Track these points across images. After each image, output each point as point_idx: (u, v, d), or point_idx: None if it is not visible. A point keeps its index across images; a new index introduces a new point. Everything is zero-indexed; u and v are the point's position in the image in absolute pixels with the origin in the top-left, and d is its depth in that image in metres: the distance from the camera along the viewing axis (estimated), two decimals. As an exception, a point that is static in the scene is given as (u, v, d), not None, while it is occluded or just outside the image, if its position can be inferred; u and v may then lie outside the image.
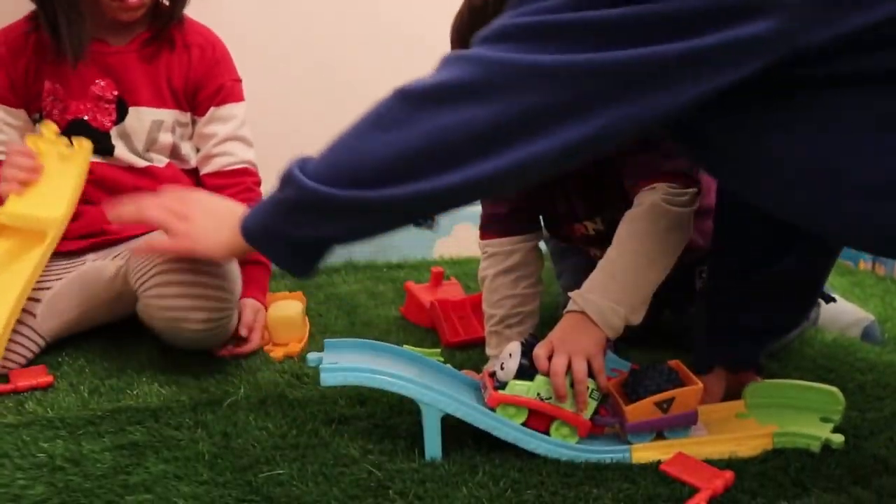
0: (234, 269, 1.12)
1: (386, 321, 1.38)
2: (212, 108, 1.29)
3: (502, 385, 0.89)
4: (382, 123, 0.74)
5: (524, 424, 0.88)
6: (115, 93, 1.24)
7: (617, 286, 0.93)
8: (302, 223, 0.80)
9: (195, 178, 1.32)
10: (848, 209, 0.69)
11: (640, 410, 0.89)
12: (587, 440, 0.90)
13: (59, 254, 1.21)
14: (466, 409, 0.87)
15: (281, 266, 0.86)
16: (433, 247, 1.85)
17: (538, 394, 0.88)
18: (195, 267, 1.06)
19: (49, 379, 1.05)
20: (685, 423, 0.90)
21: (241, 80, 1.34)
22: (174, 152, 1.30)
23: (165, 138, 1.28)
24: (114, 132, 1.25)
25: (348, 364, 0.89)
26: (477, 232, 1.18)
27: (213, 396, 1.02)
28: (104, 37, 1.23)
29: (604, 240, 1.04)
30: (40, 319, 1.16)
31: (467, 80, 0.69)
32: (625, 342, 0.99)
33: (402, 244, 1.80)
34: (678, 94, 0.66)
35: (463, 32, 0.97)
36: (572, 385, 0.88)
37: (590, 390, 0.89)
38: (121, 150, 1.25)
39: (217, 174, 1.30)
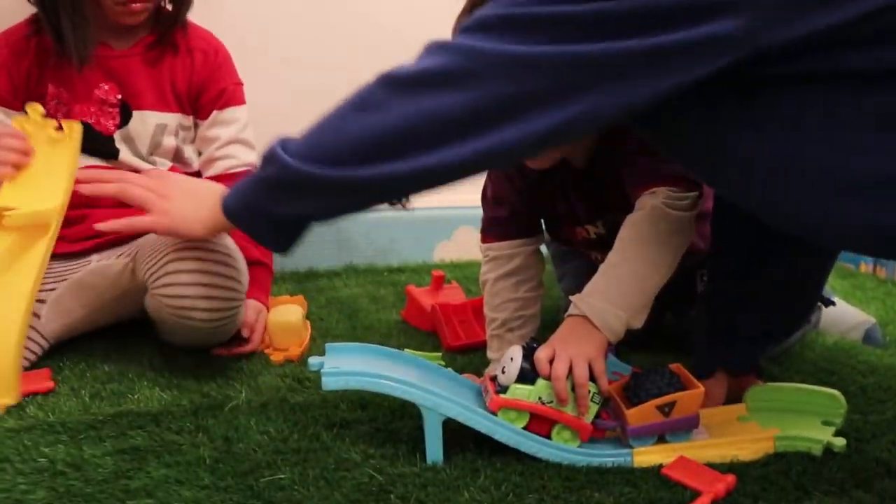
0: (244, 266, 1.13)
1: (387, 325, 1.38)
2: (214, 112, 1.30)
3: (503, 389, 0.89)
4: (364, 106, 0.77)
5: (525, 428, 0.88)
6: (119, 96, 1.25)
7: (618, 290, 0.93)
8: (282, 201, 0.83)
9: (198, 181, 1.32)
10: (823, 206, 0.71)
11: (642, 414, 0.88)
12: (589, 444, 0.90)
13: (63, 255, 1.22)
14: (468, 413, 0.87)
15: (261, 243, 0.89)
16: (434, 250, 1.85)
17: (539, 398, 0.88)
18: (206, 256, 1.07)
19: (50, 385, 1.05)
20: (687, 427, 0.90)
21: (242, 84, 1.35)
22: (177, 156, 1.30)
23: (169, 142, 1.28)
24: (117, 136, 1.25)
25: (349, 368, 0.89)
26: (478, 235, 1.19)
27: (214, 401, 1.02)
28: (107, 40, 1.24)
29: (605, 243, 1.04)
30: (44, 321, 1.16)
31: (448, 67, 0.72)
32: (626, 346, 0.99)
33: (403, 248, 1.81)
34: (647, 88, 0.69)
35: None
36: (574, 389, 0.88)
37: (591, 394, 0.89)
38: (125, 154, 1.26)
39: (220, 177, 1.30)
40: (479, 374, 1.06)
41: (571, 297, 0.95)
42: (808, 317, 1.24)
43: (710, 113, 0.74)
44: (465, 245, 1.83)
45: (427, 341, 1.30)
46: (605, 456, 0.88)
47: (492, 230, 1.16)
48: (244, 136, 1.32)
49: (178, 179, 1.03)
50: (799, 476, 0.85)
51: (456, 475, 0.84)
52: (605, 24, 0.68)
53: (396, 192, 0.82)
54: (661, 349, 1.21)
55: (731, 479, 0.83)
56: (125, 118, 1.25)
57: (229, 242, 1.12)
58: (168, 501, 0.79)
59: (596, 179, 1.09)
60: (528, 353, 0.90)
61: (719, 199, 1.00)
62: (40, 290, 1.11)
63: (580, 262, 1.28)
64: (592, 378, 0.89)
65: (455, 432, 0.88)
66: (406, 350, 1.00)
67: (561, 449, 0.88)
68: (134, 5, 1.19)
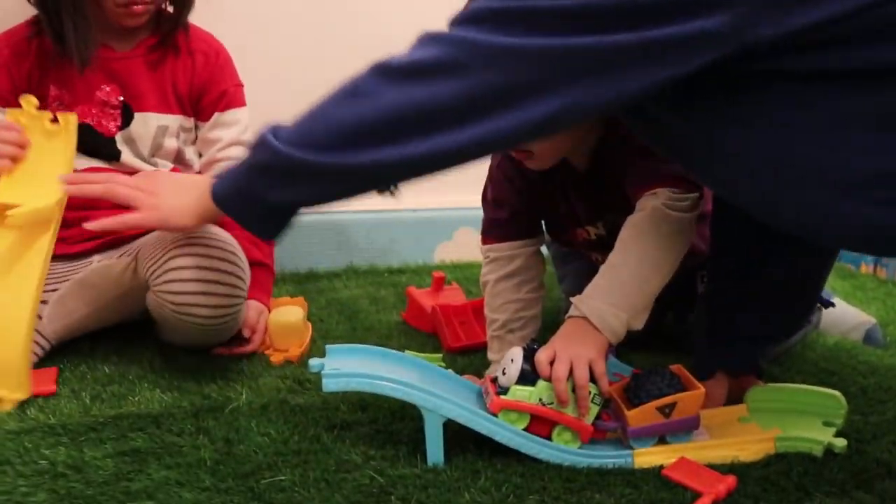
0: (246, 263, 1.13)
1: (387, 326, 1.38)
2: (216, 114, 1.30)
3: (504, 390, 0.89)
4: (355, 94, 0.77)
5: (526, 430, 0.88)
6: (121, 98, 1.25)
7: (619, 291, 0.93)
8: (272, 187, 0.84)
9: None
10: (815, 203, 0.73)
11: (643, 415, 0.88)
12: (589, 445, 0.90)
13: (65, 256, 1.22)
14: (468, 414, 0.87)
15: (249, 230, 0.89)
16: (434, 251, 1.85)
17: (540, 399, 0.88)
18: (207, 253, 1.07)
19: (52, 388, 1.05)
20: (687, 428, 0.90)
21: (243, 86, 1.35)
22: (178, 157, 1.31)
23: (170, 143, 1.28)
24: (119, 137, 1.26)
25: (350, 370, 0.89)
26: (478, 236, 1.18)
27: (214, 402, 1.02)
28: (109, 42, 1.24)
29: (605, 245, 1.04)
30: (46, 322, 1.17)
31: (440, 58, 0.73)
32: (626, 346, 0.99)
33: (403, 249, 1.81)
34: (635, 81, 0.71)
35: None
36: (574, 390, 0.88)
37: (592, 395, 0.89)
38: (126, 156, 1.26)
39: None
40: (479, 375, 1.06)
41: (572, 299, 0.95)
42: (808, 317, 1.24)
43: (698, 108, 0.75)
44: (466, 246, 1.83)
45: (427, 342, 1.30)
46: (606, 457, 0.88)
47: (492, 231, 1.16)
48: (245, 138, 1.32)
49: (164, 175, 1.06)
50: (800, 477, 0.85)
51: (457, 476, 0.84)
52: (596, 18, 0.69)
53: (386, 179, 0.83)
54: (662, 350, 1.21)
55: (731, 480, 0.83)
56: (127, 120, 1.26)
57: (231, 239, 1.12)
58: (169, 503, 0.79)
59: (596, 180, 1.09)
60: (529, 355, 0.90)
61: (718, 199, 1.00)
62: (42, 291, 1.11)
63: (581, 264, 1.28)
64: (593, 379, 0.89)
65: (456, 434, 0.89)
66: (406, 351, 1.00)
67: (561, 450, 0.88)
68: (135, 7, 1.19)
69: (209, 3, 1.32)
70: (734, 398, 1.00)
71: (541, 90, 0.71)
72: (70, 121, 1.08)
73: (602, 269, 0.97)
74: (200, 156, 1.34)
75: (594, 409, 0.90)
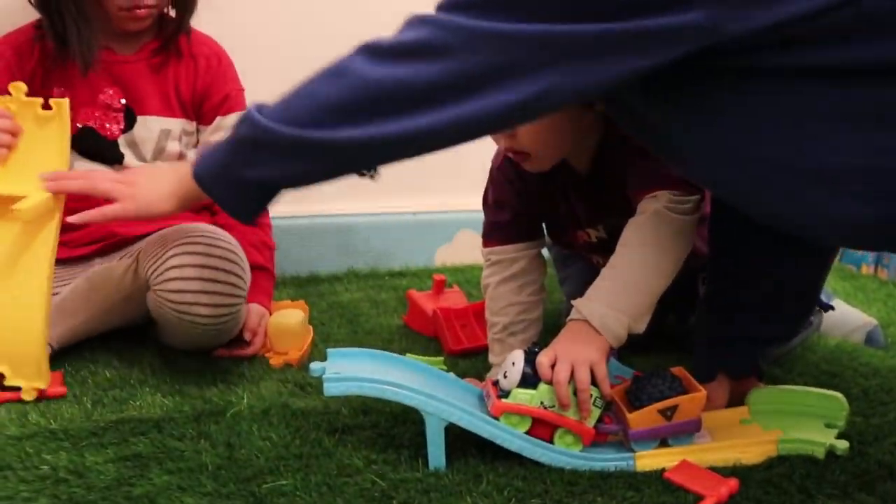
0: (246, 263, 1.13)
1: (388, 330, 1.38)
2: (218, 118, 1.31)
3: (505, 393, 0.89)
4: (341, 72, 0.79)
5: (528, 433, 0.88)
6: (123, 101, 1.25)
7: (620, 294, 0.93)
8: (253, 163, 0.84)
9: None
10: (793, 197, 0.75)
11: (644, 418, 0.88)
12: (591, 448, 0.90)
13: (67, 260, 1.22)
14: (470, 417, 0.87)
15: (226, 208, 0.90)
16: (435, 254, 1.85)
17: (541, 402, 0.88)
18: (208, 252, 1.08)
19: (63, 390, 1.05)
20: (689, 431, 0.90)
21: (244, 90, 1.35)
22: (181, 161, 1.31)
23: (173, 147, 1.29)
24: (122, 140, 1.26)
25: (351, 374, 0.89)
26: (479, 239, 1.18)
27: (215, 407, 1.02)
28: (112, 46, 1.25)
29: (606, 247, 1.04)
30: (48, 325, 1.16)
31: (427, 39, 0.75)
32: (628, 349, 0.99)
33: (404, 252, 1.81)
34: (612, 69, 0.73)
35: None
36: (575, 393, 0.88)
37: (593, 398, 0.89)
38: (129, 159, 1.26)
39: None
40: (480, 378, 1.06)
41: (573, 301, 0.95)
42: (809, 318, 1.24)
43: (674, 103, 0.77)
44: (466, 249, 1.83)
45: (429, 346, 1.30)
46: (608, 460, 0.88)
47: (493, 234, 1.16)
48: None
49: (141, 167, 1.08)
50: (802, 479, 0.85)
51: (458, 480, 0.84)
52: (576, 8, 0.71)
53: (366, 157, 0.83)
54: (663, 351, 1.21)
55: (733, 482, 0.83)
56: (129, 123, 1.26)
57: (231, 239, 1.12)
58: (170, 508, 0.79)
59: (597, 182, 1.09)
60: (530, 358, 0.90)
61: (717, 201, 1.00)
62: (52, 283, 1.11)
63: (582, 266, 1.27)
64: (594, 382, 0.89)
65: (457, 437, 0.88)
66: (408, 355, 1.00)
67: (563, 453, 0.88)
68: (139, 11, 1.19)
69: (211, 8, 1.32)
70: (735, 400, 1.00)
71: (520, 74, 0.73)
72: (62, 105, 1.05)
73: (603, 271, 0.96)
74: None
75: (596, 412, 0.90)
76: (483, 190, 1.18)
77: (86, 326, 1.21)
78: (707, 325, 1.04)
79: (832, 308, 1.26)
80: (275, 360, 1.19)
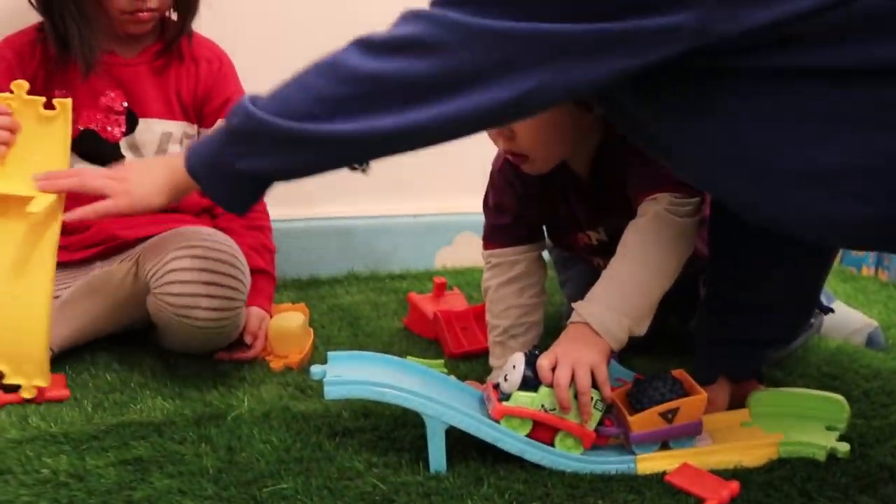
0: (246, 266, 1.14)
1: (389, 332, 1.38)
2: (219, 121, 1.30)
3: (506, 396, 0.89)
4: (333, 66, 0.79)
5: (528, 436, 0.88)
6: (125, 104, 1.26)
7: (620, 297, 0.93)
8: (245, 154, 0.84)
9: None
10: (783, 198, 0.76)
11: (645, 421, 0.88)
12: (592, 451, 0.90)
13: (68, 263, 1.22)
14: (470, 420, 0.87)
15: (218, 200, 0.90)
16: (435, 257, 1.85)
17: (542, 405, 0.88)
18: (208, 255, 1.08)
19: (67, 393, 1.06)
20: (690, 434, 0.90)
21: (245, 93, 1.35)
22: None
23: (174, 150, 1.29)
24: (123, 143, 1.26)
25: (352, 377, 0.89)
26: (479, 242, 1.18)
27: (216, 410, 1.02)
28: (113, 48, 1.25)
29: (607, 250, 1.04)
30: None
31: (421, 35, 0.75)
32: (629, 351, 0.99)
33: (404, 255, 1.81)
34: (603, 67, 0.73)
35: None
36: (576, 396, 0.88)
37: (594, 401, 0.89)
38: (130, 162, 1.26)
39: None
40: (481, 381, 1.06)
41: (573, 304, 0.95)
42: (809, 320, 1.24)
43: (665, 103, 0.78)
44: (467, 251, 1.83)
45: (429, 349, 1.30)
46: (609, 463, 0.88)
47: (494, 237, 1.16)
48: None
49: (132, 163, 1.10)
50: (803, 482, 0.85)
51: (459, 484, 0.84)
52: (569, 7, 0.72)
53: (357, 151, 0.83)
54: (664, 354, 1.21)
55: (734, 485, 0.83)
56: (131, 126, 1.26)
57: (231, 242, 1.12)
58: (171, 512, 0.79)
59: (597, 184, 1.09)
60: (531, 361, 0.90)
61: (716, 203, 1.00)
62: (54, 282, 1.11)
63: (583, 268, 1.27)
64: (595, 385, 0.89)
65: (458, 440, 0.88)
66: (408, 357, 1.00)
67: (564, 456, 0.88)
68: (141, 14, 1.19)
69: (212, 11, 1.32)
70: (736, 403, 1.00)
71: (512, 71, 0.73)
72: (65, 105, 1.05)
73: (604, 274, 0.96)
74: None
75: (596, 415, 0.90)
76: (483, 192, 1.18)
77: (86, 330, 1.21)
78: (707, 328, 1.04)
79: (832, 310, 1.26)
80: (275, 364, 1.19)
